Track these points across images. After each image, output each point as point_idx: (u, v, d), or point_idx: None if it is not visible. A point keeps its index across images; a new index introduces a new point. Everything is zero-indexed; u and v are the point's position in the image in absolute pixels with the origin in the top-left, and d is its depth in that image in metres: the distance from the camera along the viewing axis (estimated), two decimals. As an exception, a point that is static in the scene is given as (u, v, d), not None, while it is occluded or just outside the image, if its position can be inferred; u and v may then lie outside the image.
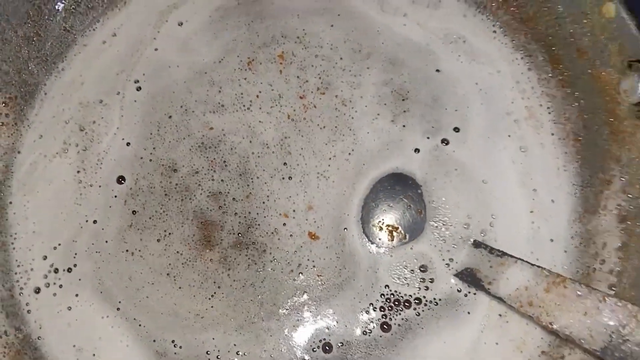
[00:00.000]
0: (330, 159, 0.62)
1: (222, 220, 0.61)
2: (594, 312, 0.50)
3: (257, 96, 0.64)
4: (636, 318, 0.48)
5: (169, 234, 0.60)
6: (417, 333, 0.58)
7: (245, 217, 0.61)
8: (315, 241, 0.60)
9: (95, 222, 0.61)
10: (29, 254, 0.60)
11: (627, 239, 0.57)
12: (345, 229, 0.60)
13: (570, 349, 0.56)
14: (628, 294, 0.54)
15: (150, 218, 0.61)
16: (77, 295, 0.59)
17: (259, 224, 0.60)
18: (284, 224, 0.60)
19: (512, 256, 0.57)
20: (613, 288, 0.56)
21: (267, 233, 0.60)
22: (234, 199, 0.61)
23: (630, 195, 0.57)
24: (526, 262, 0.56)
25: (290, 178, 0.62)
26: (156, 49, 0.66)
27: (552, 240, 0.61)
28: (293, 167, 0.62)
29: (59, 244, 0.60)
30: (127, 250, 0.60)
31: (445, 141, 0.63)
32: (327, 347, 0.58)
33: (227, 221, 0.61)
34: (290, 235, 0.60)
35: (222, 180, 0.62)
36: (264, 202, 0.61)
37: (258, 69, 0.65)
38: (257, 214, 0.61)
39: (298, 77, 0.65)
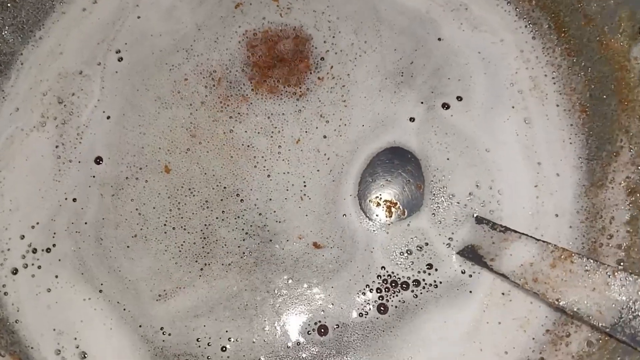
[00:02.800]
0: (326, 130, 0.59)
1: (210, 196, 0.57)
2: (603, 288, 0.48)
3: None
4: (648, 293, 0.46)
5: (153, 213, 0.57)
6: (416, 314, 0.55)
7: (235, 191, 0.57)
8: (310, 218, 0.57)
9: (74, 200, 0.57)
10: (6, 233, 0.57)
11: (636, 212, 0.54)
12: (344, 215, 0.57)
13: (576, 326, 0.54)
14: (637, 268, 0.52)
15: (132, 199, 0.57)
16: (56, 276, 0.56)
17: (255, 204, 0.57)
18: (285, 199, 0.57)
19: (515, 231, 0.54)
20: (622, 263, 0.54)
21: (262, 214, 0.57)
22: (219, 175, 0.58)
23: (639, 167, 0.55)
24: (530, 237, 0.53)
25: (279, 147, 0.58)
26: (139, 17, 0.63)
27: (557, 215, 0.58)
28: (286, 142, 0.59)
29: (37, 223, 0.57)
30: (108, 229, 0.57)
31: (446, 106, 0.60)
32: (322, 330, 0.55)
33: (215, 196, 0.57)
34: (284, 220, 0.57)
35: (207, 151, 0.58)
36: (260, 179, 0.58)
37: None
38: (251, 189, 0.57)
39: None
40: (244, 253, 0.56)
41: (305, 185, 0.58)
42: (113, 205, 0.57)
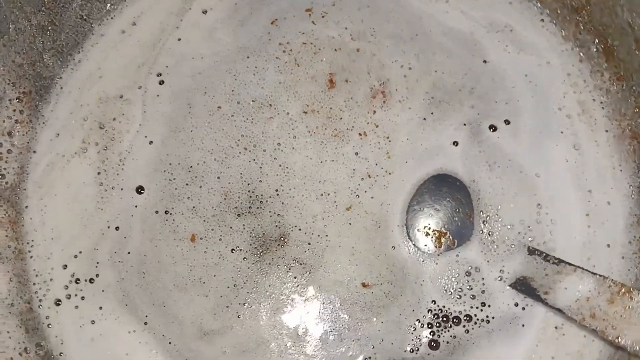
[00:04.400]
0: (367, 160, 0.58)
1: (257, 221, 0.56)
2: (667, 327, 0.46)
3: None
4: None
5: (200, 240, 0.56)
6: (467, 349, 0.54)
7: (280, 218, 0.56)
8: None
9: (117, 228, 0.56)
10: (48, 263, 0.55)
11: (693, 244, 0.53)
12: (393, 247, 0.56)
13: (634, 363, 0.52)
14: (698, 305, 0.51)
15: (176, 225, 0.56)
16: (100, 307, 0.54)
17: (299, 228, 0.56)
18: (324, 233, 0.56)
19: (569, 264, 0.53)
20: (681, 299, 0.52)
21: (310, 245, 0.56)
22: (267, 196, 0.57)
23: (695, 198, 0.53)
24: (586, 270, 0.52)
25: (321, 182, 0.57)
26: (179, 39, 0.61)
27: (608, 245, 0.57)
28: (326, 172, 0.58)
29: (80, 252, 0.56)
30: (152, 261, 0.56)
31: (493, 128, 0.58)
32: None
33: (262, 224, 0.56)
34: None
35: (253, 174, 0.57)
36: (298, 208, 0.57)
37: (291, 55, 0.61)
38: (295, 217, 0.56)
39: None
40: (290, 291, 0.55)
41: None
42: (155, 239, 0.56)
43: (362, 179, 0.58)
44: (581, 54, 0.62)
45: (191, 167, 0.58)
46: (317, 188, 0.57)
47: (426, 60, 0.61)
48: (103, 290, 0.55)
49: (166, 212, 0.57)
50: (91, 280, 0.55)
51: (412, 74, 0.61)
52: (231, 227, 0.56)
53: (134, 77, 0.60)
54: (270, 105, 0.59)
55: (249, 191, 0.57)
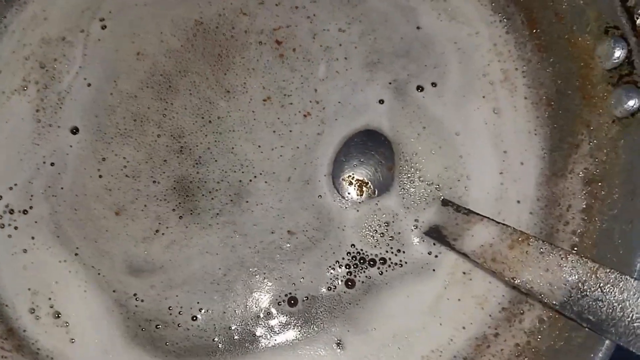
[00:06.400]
0: (299, 114, 0.61)
1: (193, 171, 0.59)
2: (556, 269, 0.51)
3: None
4: (596, 274, 0.49)
5: (133, 179, 0.58)
6: (381, 288, 0.58)
7: (220, 171, 0.59)
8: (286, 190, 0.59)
9: (52, 164, 0.58)
10: (-18, 194, 0.57)
11: (591, 201, 0.58)
12: (320, 194, 0.59)
13: (529, 305, 0.57)
14: (589, 253, 0.55)
15: (112, 164, 0.58)
16: (33, 237, 0.57)
17: (240, 182, 0.59)
18: (265, 182, 0.59)
19: (478, 214, 0.57)
20: (575, 248, 0.57)
21: (242, 195, 0.59)
22: (202, 146, 0.59)
23: (596, 159, 0.58)
24: (492, 219, 0.56)
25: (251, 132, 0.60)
26: (125, -14, 0.63)
27: (518, 201, 0.61)
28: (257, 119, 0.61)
29: (15, 184, 0.58)
30: (85, 195, 0.58)
31: (420, 88, 0.62)
32: (292, 301, 0.57)
33: (197, 172, 0.59)
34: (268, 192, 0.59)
35: (188, 123, 0.60)
36: (240, 157, 0.60)
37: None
38: (234, 171, 0.59)
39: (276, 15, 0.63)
40: (218, 225, 0.58)
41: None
42: (87, 178, 0.58)
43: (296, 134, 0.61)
44: (508, 26, 0.66)
45: (128, 112, 0.60)
46: (253, 139, 0.60)
47: (363, 25, 0.64)
48: (36, 222, 0.57)
49: (99, 154, 0.59)
50: (25, 212, 0.57)
51: (350, 38, 0.63)
52: (159, 177, 0.59)
53: (77, 20, 0.62)
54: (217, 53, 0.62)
55: (180, 137, 0.60)
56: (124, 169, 0.58)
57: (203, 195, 0.58)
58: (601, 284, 0.49)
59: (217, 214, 0.58)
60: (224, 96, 0.61)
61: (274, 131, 0.60)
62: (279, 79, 0.61)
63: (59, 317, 0.56)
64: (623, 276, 0.48)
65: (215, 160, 0.59)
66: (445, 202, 0.59)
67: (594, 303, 0.49)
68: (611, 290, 0.48)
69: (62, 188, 0.58)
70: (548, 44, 0.64)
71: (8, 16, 0.61)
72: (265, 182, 0.59)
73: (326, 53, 0.62)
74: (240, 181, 0.59)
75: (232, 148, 0.60)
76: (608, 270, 0.49)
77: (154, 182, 0.59)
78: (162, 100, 0.60)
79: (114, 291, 0.56)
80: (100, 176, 0.58)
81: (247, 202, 0.58)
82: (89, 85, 0.60)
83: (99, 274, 0.56)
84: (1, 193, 0.57)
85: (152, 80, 0.60)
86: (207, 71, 0.61)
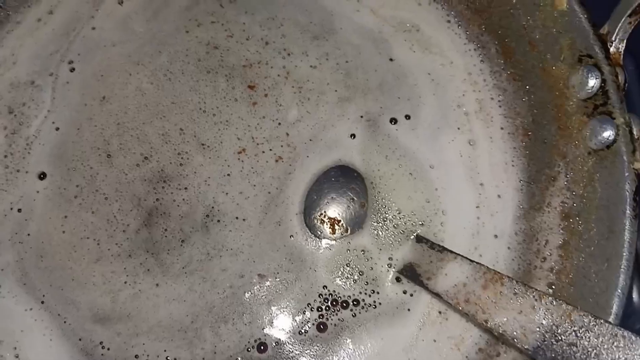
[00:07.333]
0: (281, 141, 0.60)
1: (160, 210, 0.58)
2: (529, 311, 0.49)
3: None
4: (570, 318, 0.47)
5: (100, 226, 0.58)
6: (354, 331, 0.56)
7: (188, 211, 0.58)
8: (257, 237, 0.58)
9: (19, 210, 0.58)
10: (-51, 241, 0.57)
11: (568, 236, 0.56)
12: (291, 235, 0.58)
13: (506, 347, 0.55)
14: (566, 292, 0.54)
15: (78, 209, 0.58)
16: (-1, 286, 0.56)
17: (209, 231, 0.58)
18: (237, 218, 0.58)
19: (451, 252, 0.55)
20: (552, 286, 0.55)
21: (211, 242, 0.58)
22: (173, 186, 0.59)
23: (574, 193, 0.56)
24: (466, 258, 0.54)
25: (228, 165, 0.59)
26: (94, 28, 0.63)
27: (496, 236, 0.59)
28: (223, 153, 0.60)
29: (-19, 232, 0.57)
30: (51, 244, 0.57)
31: (394, 121, 0.61)
32: (262, 347, 0.56)
33: (165, 212, 0.58)
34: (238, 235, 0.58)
35: (158, 161, 0.59)
36: (213, 208, 0.59)
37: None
38: (205, 222, 0.58)
39: (247, 50, 0.62)
40: (185, 274, 0.57)
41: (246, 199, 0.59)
42: (55, 224, 0.57)
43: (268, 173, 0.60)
44: (482, 55, 0.65)
45: (96, 153, 0.59)
46: (223, 184, 0.59)
47: (336, 59, 0.63)
48: (2, 269, 0.56)
49: (67, 199, 0.58)
50: (-10, 259, 0.56)
51: (321, 75, 0.63)
52: (125, 232, 0.58)
53: (46, 63, 0.62)
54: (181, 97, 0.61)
55: (148, 180, 0.59)
56: (86, 230, 0.57)
57: (172, 248, 0.57)
58: (575, 328, 0.47)
59: (185, 265, 0.57)
60: (199, 148, 0.60)
61: (248, 181, 0.59)
62: (252, 128, 0.60)
63: (23, 367, 0.55)
64: (598, 320, 0.46)
65: (185, 212, 0.58)
66: (419, 239, 0.58)
67: (568, 348, 0.47)
68: (586, 335, 0.46)
69: (28, 234, 0.57)
70: (523, 73, 0.62)
71: (-23, 61, 0.62)
72: (236, 228, 0.58)
73: (297, 95, 0.62)
74: (208, 230, 0.58)
75: (204, 200, 0.58)
76: (582, 313, 0.47)
77: (123, 236, 0.58)
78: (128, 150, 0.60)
79: (79, 339, 0.55)
80: (63, 232, 0.57)
81: (216, 249, 0.57)
82: (57, 129, 0.60)
83: (64, 322, 0.55)
84: (-33, 241, 0.57)
85: (120, 127, 0.60)
86: (178, 120, 0.60)
